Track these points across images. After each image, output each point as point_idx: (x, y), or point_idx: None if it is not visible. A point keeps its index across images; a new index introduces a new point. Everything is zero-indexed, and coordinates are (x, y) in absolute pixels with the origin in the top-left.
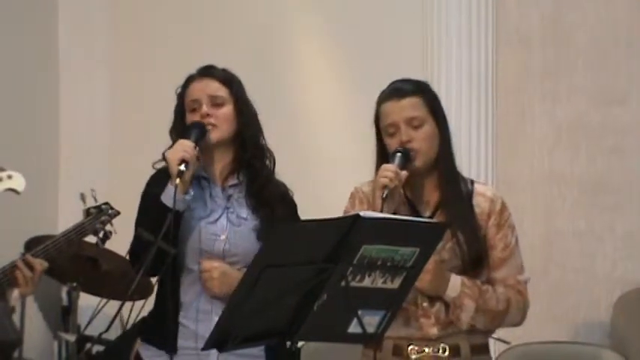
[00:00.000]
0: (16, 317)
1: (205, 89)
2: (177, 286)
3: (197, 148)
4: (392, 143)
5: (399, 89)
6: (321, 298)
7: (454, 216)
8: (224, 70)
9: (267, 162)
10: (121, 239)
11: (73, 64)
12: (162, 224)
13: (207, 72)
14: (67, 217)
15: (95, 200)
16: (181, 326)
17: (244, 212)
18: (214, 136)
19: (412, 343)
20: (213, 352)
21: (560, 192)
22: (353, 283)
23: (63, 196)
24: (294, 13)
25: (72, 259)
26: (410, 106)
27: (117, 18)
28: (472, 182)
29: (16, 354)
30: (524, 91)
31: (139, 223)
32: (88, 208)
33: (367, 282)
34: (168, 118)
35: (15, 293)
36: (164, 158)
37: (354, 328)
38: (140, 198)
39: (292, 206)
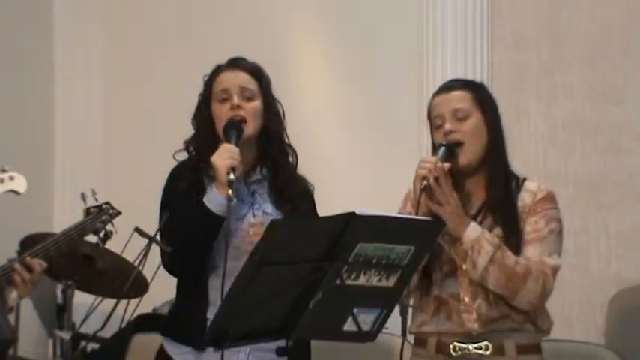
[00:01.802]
0: (11, 315)
1: (236, 79)
2: (205, 283)
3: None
4: (438, 135)
5: (448, 85)
6: (317, 296)
7: (496, 215)
8: (255, 64)
9: (291, 159)
10: (115, 237)
11: (69, 64)
12: (208, 230)
13: (238, 63)
14: (62, 215)
15: (96, 200)
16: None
17: (269, 208)
18: (245, 132)
19: (455, 340)
20: (246, 347)
21: (555, 190)
22: (348, 281)
23: (58, 195)
24: (291, 13)
25: (67, 257)
26: (456, 99)
27: (112, 19)
28: (524, 180)
29: (11, 352)
30: (520, 90)
31: (177, 225)
32: (89, 208)
33: (362, 280)
34: (162, 118)
35: (13, 294)
36: (187, 151)
37: (349, 326)
38: (164, 193)
39: (313, 202)
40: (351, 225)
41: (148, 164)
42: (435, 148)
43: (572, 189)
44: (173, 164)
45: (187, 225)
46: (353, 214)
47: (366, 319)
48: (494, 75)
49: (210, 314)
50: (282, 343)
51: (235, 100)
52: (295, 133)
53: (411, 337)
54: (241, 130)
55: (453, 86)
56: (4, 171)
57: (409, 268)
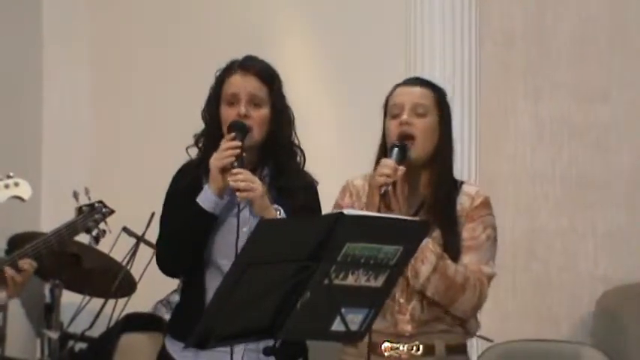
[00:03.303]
0: None
1: (246, 85)
2: (203, 281)
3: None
4: (392, 125)
5: (413, 80)
6: (305, 296)
7: (436, 216)
8: (267, 67)
9: (298, 159)
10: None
11: (57, 61)
12: (199, 227)
13: (250, 67)
14: (49, 215)
15: (89, 198)
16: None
17: None
18: (251, 139)
19: (386, 340)
20: (240, 347)
21: (543, 189)
22: (336, 281)
23: (45, 193)
24: (277, 12)
25: (55, 256)
26: (419, 94)
27: (99, 16)
28: (462, 183)
29: None
30: (507, 89)
31: (171, 222)
32: (81, 206)
33: (350, 280)
34: (151, 117)
35: (2, 294)
36: (197, 146)
37: (337, 326)
38: (167, 194)
39: (314, 195)
40: (339, 225)
41: (136, 165)
42: (384, 141)
43: (560, 188)
44: (160, 164)
45: (179, 222)
46: (341, 213)
47: (354, 319)
48: (481, 73)
49: None
50: (269, 342)
51: (243, 109)
52: None
53: None
54: (246, 131)
55: (419, 82)
56: (9, 177)
57: (397, 268)
